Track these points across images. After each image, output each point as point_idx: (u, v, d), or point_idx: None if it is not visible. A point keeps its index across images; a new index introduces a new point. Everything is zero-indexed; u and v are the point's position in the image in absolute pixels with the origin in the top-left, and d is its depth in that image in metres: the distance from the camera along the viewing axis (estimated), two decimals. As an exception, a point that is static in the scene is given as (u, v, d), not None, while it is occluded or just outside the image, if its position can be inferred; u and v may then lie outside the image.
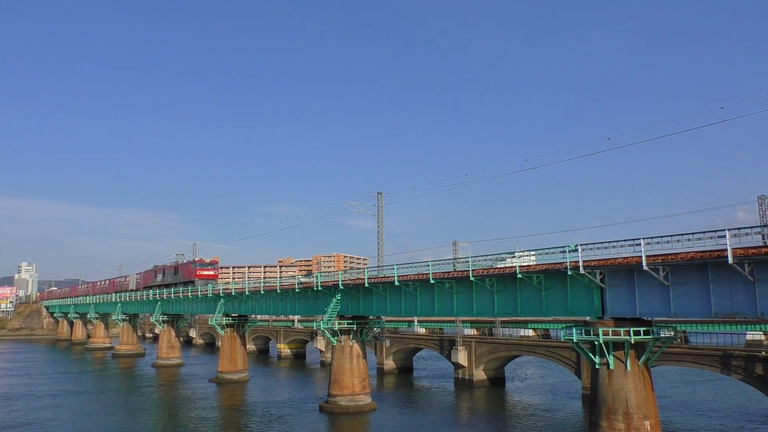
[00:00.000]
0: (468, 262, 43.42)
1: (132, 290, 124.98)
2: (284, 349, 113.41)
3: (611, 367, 34.53)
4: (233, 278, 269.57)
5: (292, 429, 49.20)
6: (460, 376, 73.19)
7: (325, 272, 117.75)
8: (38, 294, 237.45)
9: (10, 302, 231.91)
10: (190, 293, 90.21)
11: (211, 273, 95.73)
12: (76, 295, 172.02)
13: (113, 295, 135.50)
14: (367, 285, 52.36)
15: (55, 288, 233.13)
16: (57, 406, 61.63)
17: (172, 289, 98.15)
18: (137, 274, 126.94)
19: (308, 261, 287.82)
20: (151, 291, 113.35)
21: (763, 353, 46.34)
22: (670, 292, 32.69)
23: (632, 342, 33.93)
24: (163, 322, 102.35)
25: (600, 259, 34.95)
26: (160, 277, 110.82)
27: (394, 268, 49.52)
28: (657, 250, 32.14)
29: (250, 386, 75.40)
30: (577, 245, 35.71)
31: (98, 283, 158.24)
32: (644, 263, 31.95)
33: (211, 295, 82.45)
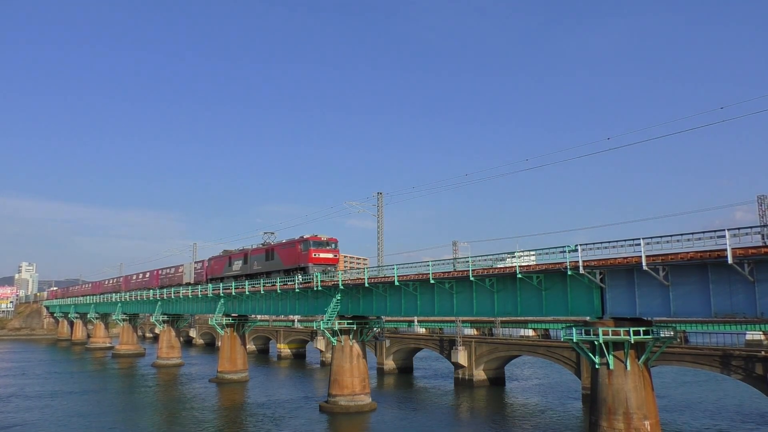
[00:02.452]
0: (468, 262, 43.40)
1: (188, 284, 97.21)
2: (284, 349, 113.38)
3: (611, 367, 34.52)
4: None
5: (292, 429, 49.19)
6: (460, 376, 73.17)
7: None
8: (48, 292, 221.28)
9: (10, 302, 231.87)
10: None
11: (330, 256, 66.32)
12: (102, 292, 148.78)
13: (151, 291, 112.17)
14: (367, 285, 52.35)
15: (55, 288, 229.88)
16: (51, 406, 61.32)
17: (172, 289, 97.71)
18: (196, 263, 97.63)
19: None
20: (165, 290, 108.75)
21: (763, 353, 46.32)
22: (670, 292, 32.67)
23: (632, 342, 33.92)
24: (163, 322, 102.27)
25: (600, 259, 34.93)
26: (238, 264, 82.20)
27: (394, 268, 49.50)
28: (657, 250, 32.12)
29: (250, 386, 75.38)
30: (577, 245, 35.71)
31: (132, 278, 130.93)
32: (644, 263, 31.94)
33: (211, 295, 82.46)
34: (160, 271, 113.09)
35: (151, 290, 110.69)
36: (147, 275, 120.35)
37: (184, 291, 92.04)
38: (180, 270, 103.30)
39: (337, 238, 68.13)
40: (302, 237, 67.44)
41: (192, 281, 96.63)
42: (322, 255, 66.07)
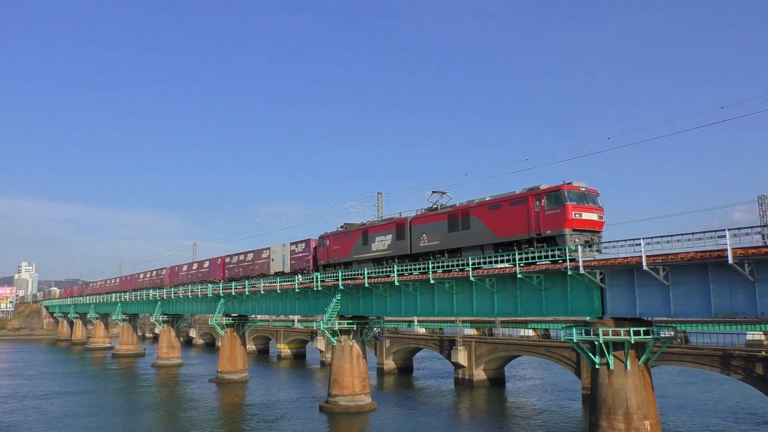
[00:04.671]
0: (468, 261, 43.33)
1: (279, 275, 69.52)
2: (284, 349, 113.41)
3: (611, 367, 34.51)
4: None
5: (292, 429, 49.19)
6: (460, 376, 73.17)
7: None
8: (62, 290, 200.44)
9: (10, 302, 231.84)
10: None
11: (595, 218, 39.42)
12: (135, 288, 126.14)
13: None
14: (367, 285, 52.31)
15: (54, 288, 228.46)
16: (49, 407, 61.17)
17: (172, 289, 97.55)
18: (295, 244, 68.42)
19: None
20: (167, 289, 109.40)
21: (763, 353, 46.32)
22: (670, 292, 32.65)
23: (632, 342, 33.90)
24: (163, 322, 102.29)
25: (600, 259, 34.93)
26: (384, 240, 53.54)
27: (393, 268, 49.44)
28: (657, 250, 32.11)
29: (250, 386, 75.39)
30: (577, 245, 35.67)
31: (182, 269, 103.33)
32: (644, 263, 31.90)
33: (211, 295, 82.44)
34: (227, 259, 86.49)
35: (151, 290, 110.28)
36: (206, 265, 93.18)
37: (183, 291, 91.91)
38: (264, 256, 74.74)
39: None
40: (539, 187, 40.73)
41: (287, 270, 68.68)
42: (586, 216, 38.92)
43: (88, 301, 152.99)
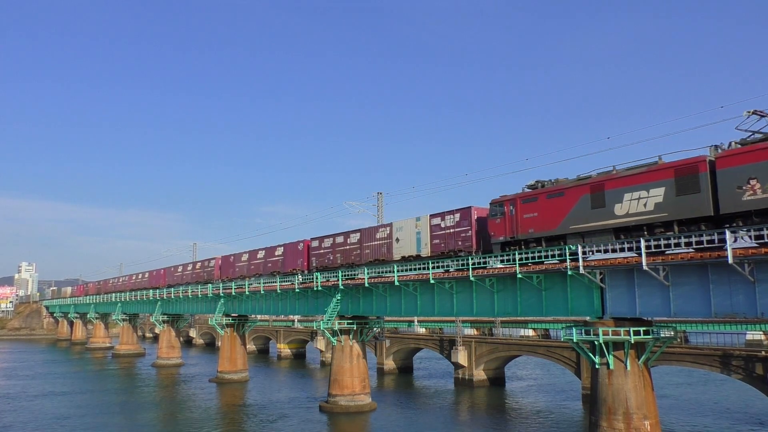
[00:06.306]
0: (468, 261, 43.32)
1: (413, 258, 50.22)
2: (284, 349, 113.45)
3: (611, 367, 34.52)
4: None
5: (292, 429, 49.20)
6: (460, 376, 73.19)
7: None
8: (74, 288, 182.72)
9: (10, 302, 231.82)
10: (185, 293, 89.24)
11: None
12: (171, 284, 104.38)
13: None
14: (367, 285, 52.34)
15: (54, 288, 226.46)
16: (47, 407, 61.23)
17: (172, 289, 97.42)
18: (439, 217, 48.53)
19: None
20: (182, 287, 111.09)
21: (763, 353, 46.33)
22: (670, 292, 32.66)
23: (632, 342, 33.92)
24: (163, 322, 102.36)
25: (600, 259, 34.92)
26: (646, 198, 32.78)
27: (394, 268, 49.44)
28: (657, 250, 32.12)
29: (250, 386, 75.42)
30: (577, 245, 35.66)
31: (240, 258, 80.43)
32: (644, 263, 31.90)
33: (211, 295, 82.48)
34: (313, 243, 64.32)
35: (152, 290, 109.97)
36: (278, 252, 71.27)
37: (184, 291, 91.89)
38: (381, 236, 54.91)
39: None
40: None
41: (426, 252, 49.04)
42: None
43: (87, 301, 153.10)
